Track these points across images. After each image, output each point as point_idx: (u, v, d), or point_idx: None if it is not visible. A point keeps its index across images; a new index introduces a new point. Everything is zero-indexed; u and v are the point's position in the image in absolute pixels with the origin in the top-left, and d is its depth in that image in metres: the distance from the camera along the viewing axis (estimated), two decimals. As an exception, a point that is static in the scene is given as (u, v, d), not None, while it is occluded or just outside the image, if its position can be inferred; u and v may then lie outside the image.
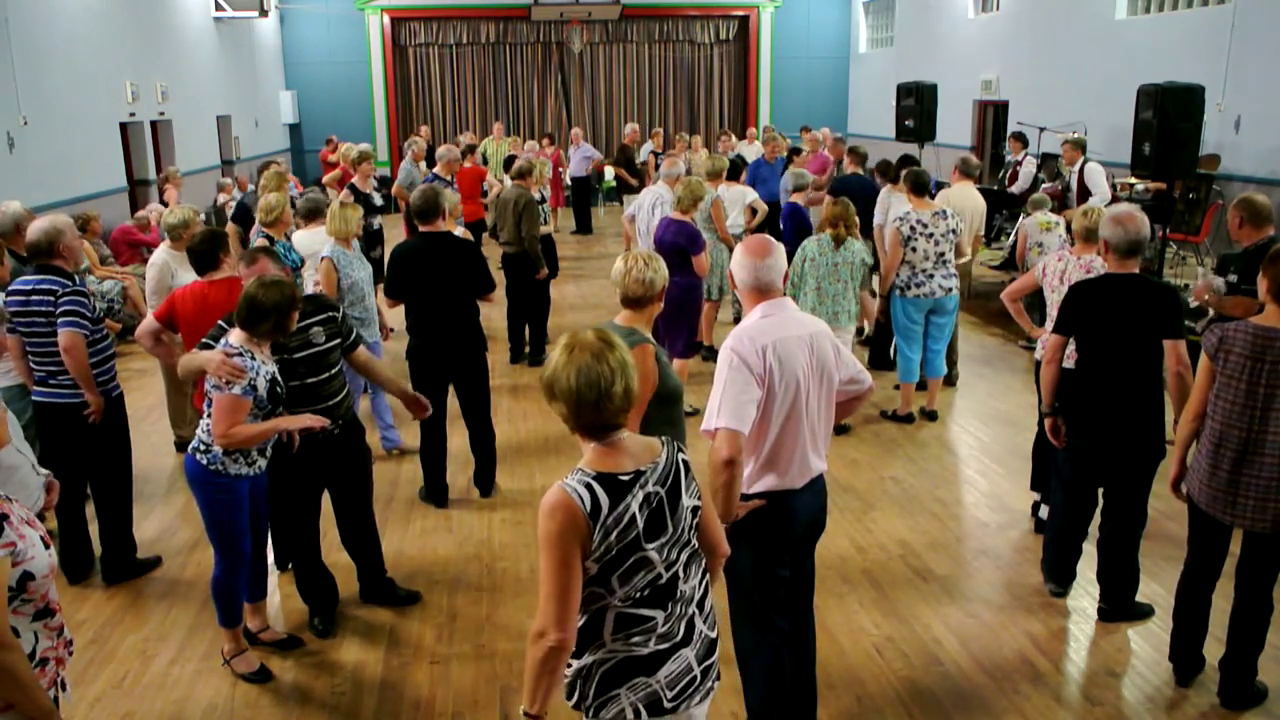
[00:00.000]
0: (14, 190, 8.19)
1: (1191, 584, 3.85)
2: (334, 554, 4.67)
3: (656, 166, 12.14)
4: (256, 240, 6.21)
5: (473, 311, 5.63)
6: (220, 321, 4.07)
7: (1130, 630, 4.36)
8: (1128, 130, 8.38)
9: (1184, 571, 3.89)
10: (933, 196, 7.21)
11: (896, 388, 7.17)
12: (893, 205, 7.72)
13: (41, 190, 9.33)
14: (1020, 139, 11.59)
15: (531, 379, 8.09)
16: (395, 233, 10.80)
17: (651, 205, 8.07)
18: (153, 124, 12.78)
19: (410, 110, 20.28)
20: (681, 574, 2.43)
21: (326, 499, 4.47)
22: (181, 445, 6.48)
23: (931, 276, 6.68)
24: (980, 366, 8.34)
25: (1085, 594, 4.63)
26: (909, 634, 4.34)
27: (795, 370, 3.11)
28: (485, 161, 14.26)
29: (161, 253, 6.07)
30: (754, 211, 8.99)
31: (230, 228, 7.87)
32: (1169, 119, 7.73)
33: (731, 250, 7.33)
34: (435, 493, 5.72)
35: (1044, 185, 10.67)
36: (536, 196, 8.48)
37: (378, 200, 9.49)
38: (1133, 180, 9.80)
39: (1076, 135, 10.34)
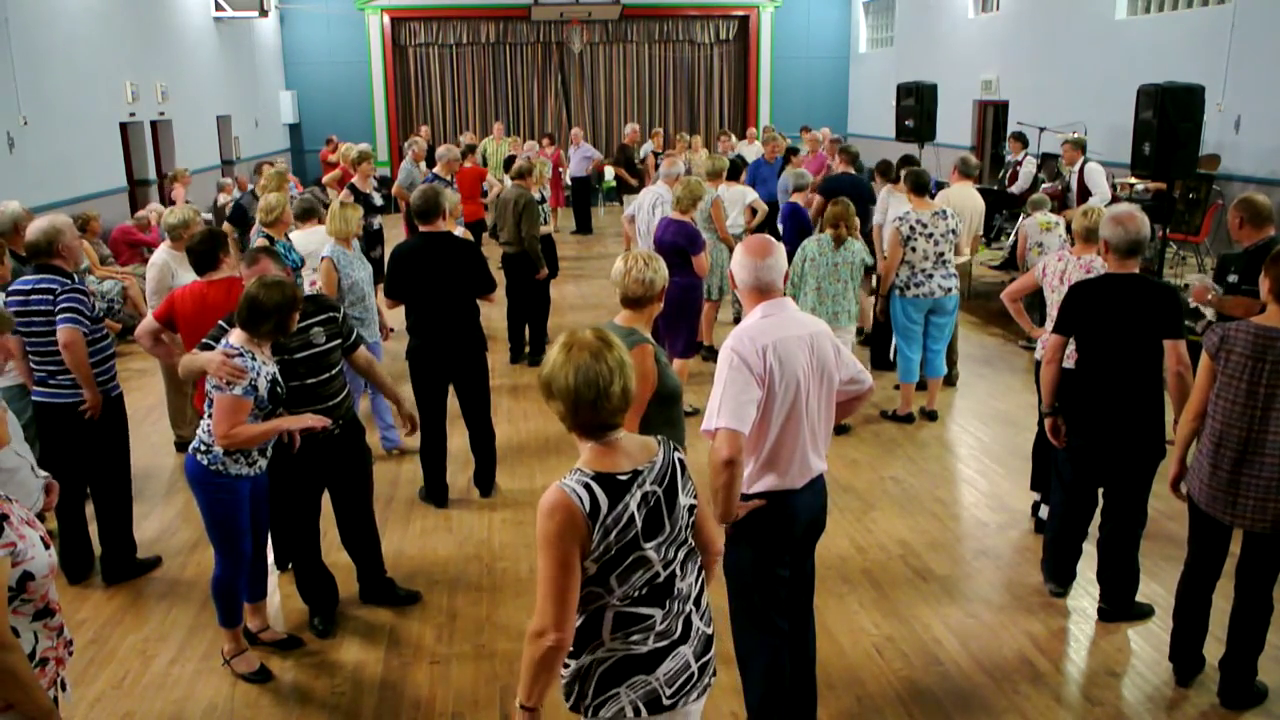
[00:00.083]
0: (14, 190, 8.19)
1: (1191, 584, 3.85)
2: (334, 554, 4.67)
3: (656, 166, 12.14)
4: (256, 240, 6.20)
5: (473, 311, 5.64)
6: (221, 322, 4.07)
7: (1130, 630, 4.36)
8: (1128, 130, 8.37)
9: (1184, 571, 3.89)
10: (932, 196, 7.21)
11: (896, 388, 7.17)
12: (891, 205, 7.72)
13: (41, 190, 9.33)
14: (1020, 139, 11.59)
15: (531, 379, 8.09)
16: (395, 233, 10.81)
17: (651, 205, 8.07)
18: (153, 124, 12.78)
19: (410, 110, 20.28)
20: (679, 572, 2.44)
21: (326, 499, 4.47)
22: (181, 445, 6.48)
23: (931, 276, 6.68)
24: (980, 366, 8.34)
25: (1085, 594, 4.63)
26: (909, 634, 4.34)
27: (795, 370, 3.11)
28: (485, 162, 14.26)
29: (162, 253, 6.07)
30: (754, 211, 8.99)
31: (225, 228, 7.87)
32: (1169, 119, 7.73)
33: (731, 250, 7.34)
34: (435, 493, 5.72)
35: (1044, 185, 10.67)
36: (536, 196, 8.48)
37: (378, 200, 9.49)
38: (1133, 180, 9.80)
39: (1076, 135, 10.34)
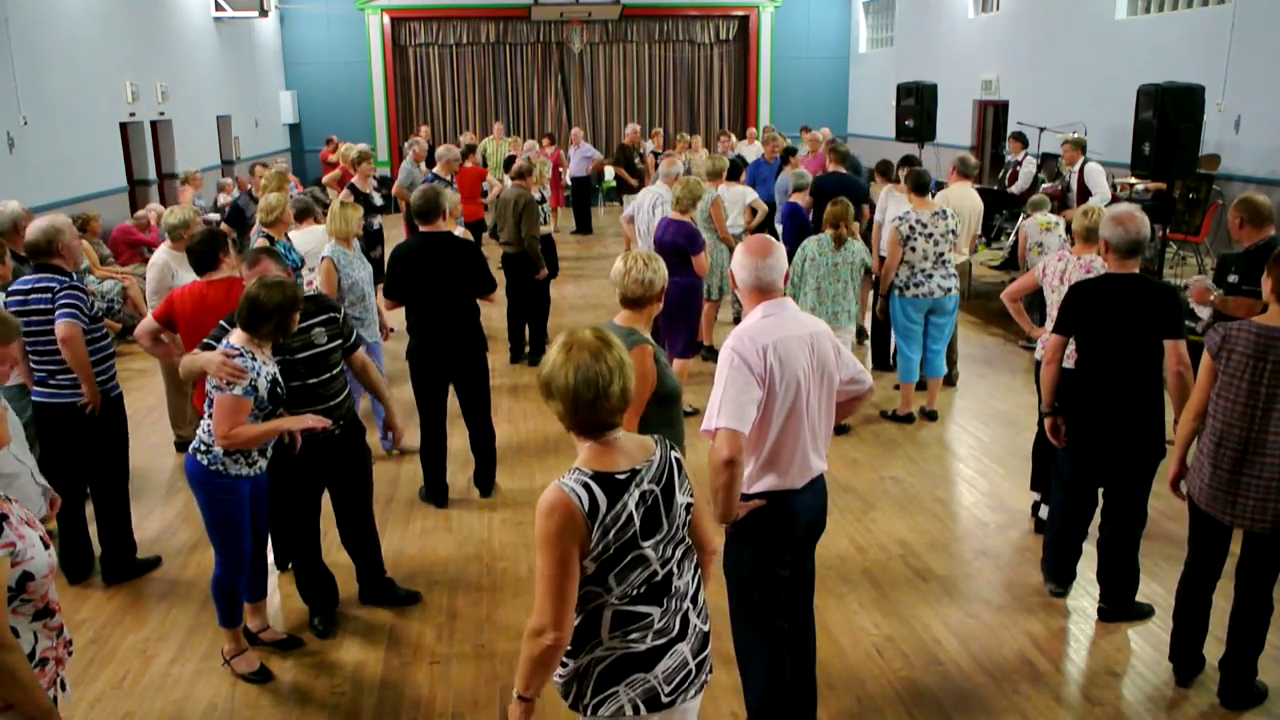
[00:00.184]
0: (14, 190, 8.19)
1: (1191, 584, 3.85)
2: (334, 554, 4.67)
3: (656, 165, 12.14)
4: (257, 240, 6.20)
5: (473, 311, 5.64)
6: (222, 322, 4.06)
7: (1130, 630, 4.36)
8: (1128, 130, 8.37)
9: (1184, 571, 3.89)
10: (932, 196, 7.21)
11: (896, 388, 7.17)
12: (890, 205, 7.72)
13: (41, 190, 9.33)
14: (1020, 139, 11.59)
15: (531, 379, 8.08)
16: (395, 233, 10.80)
17: (651, 205, 8.07)
18: (153, 124, 12.78)
19: (410, 110, 20.29)
20: (676, 570, 2.45)
21: (326, 499, 4.47)
22: (181, 445, 6.48)
23: (930, 276, 6.68)
24: (980, 366, 8.34)
25: (1085, 594, 4.63)
26: (909, 634, 4.34)
27: (796, 370, 3.11)
28: (485, 162, 14.26)
29: (162, 253, 6.08)
30: (754, 211, 8.99)
31: (223, 229, 7.87)
32: (1169, 119, 7.73)
33: (731, 250, 7.34)
34: (435, 493, 5.72)
35: (1044, 185, 10.67)
36: (536, 196, 8.49)
37: (378, 200, 9.49)
38: (1133, 180, 9.80)
39: (1076, 135, 10.34)
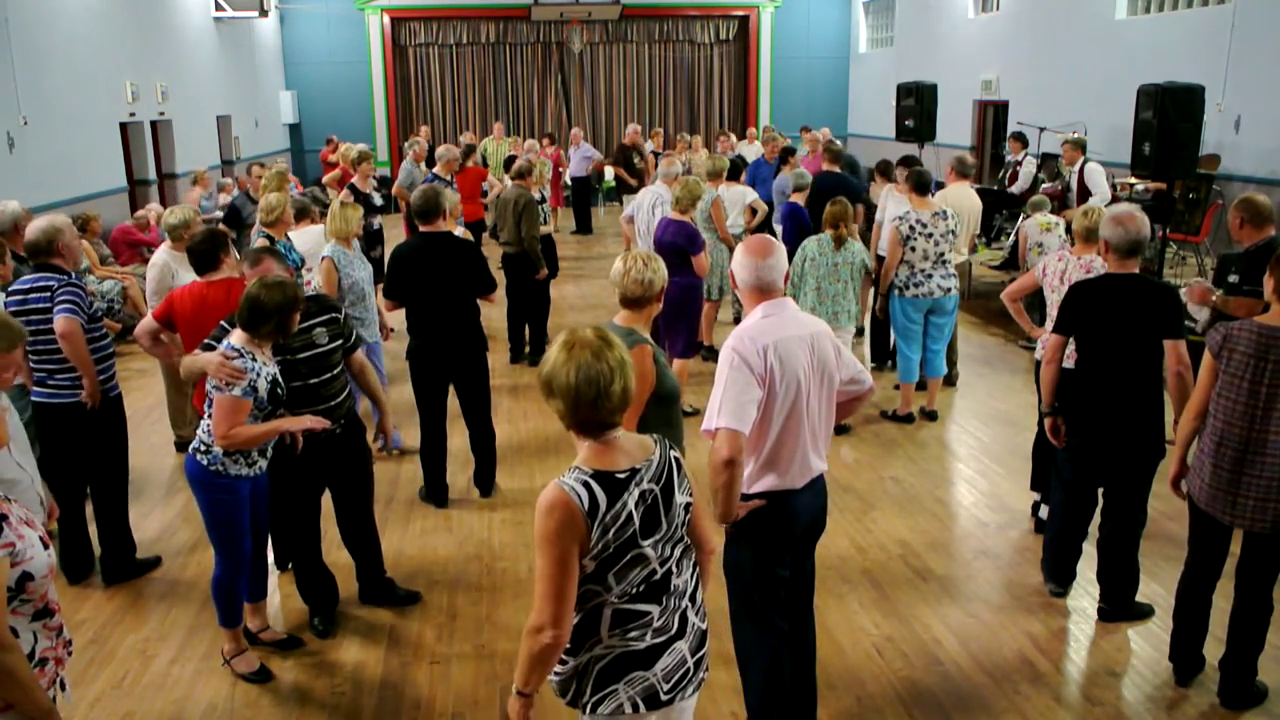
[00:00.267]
0: (14, 190, 8.19)
1: (1192, 584, 3.85)
2: (333, 554, 4.67)
3: (656, 165, 12.14)
4: (257, 240, 6.20)
5: (473, 311, 5.64)
6: (223, 322, 4.06)
7: (1130, 630, 4.36)
8: (1128, 130, 8.37)
9: (1184, 571, 3.89)
10: (931, 196, 7.21)
11: (896, 388, 7.17)
12: (889, 205, 7.73)
13: (41, 190, 9.33)
14: (1020, 139, 11.59)
15: (531, 379, 8.09)
16: (395, 233, 10.81)
17: (651, 205, 8.07)
18: (153, 124, 12.78)
19: (410, 110, 20.29)
20: (674, 569, 2.46)
21: (326, 498, 4.47)
22: (181, 445, 6.48)
23: (930, 276, 6.68)
24: (980, 366, 8.34)
25: (1085, 594, 4.63)
26: (909, 634, 4.34)
27: (796, 370, 3.11)
28: (485, 162, 14.26)
29: (162, 253, 6.08)
30: (754, 211, 8.99)
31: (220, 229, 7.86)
32: (1169, 119, 7.73)
33: (731, 250, 7.33)
34: (435, 493, 5.72)
35: (1044, 185, 10.67)
36: (536, 196, 8.48)
37: (378, 200, 9.49)
38: (1133, 180, 9.80)
39: (1076, 135, 10.34)
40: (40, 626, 2.45)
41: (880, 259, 7.22)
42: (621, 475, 2.33)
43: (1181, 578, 3.91)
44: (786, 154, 10.17)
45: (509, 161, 11.54)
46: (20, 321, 4.44)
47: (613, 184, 17.75)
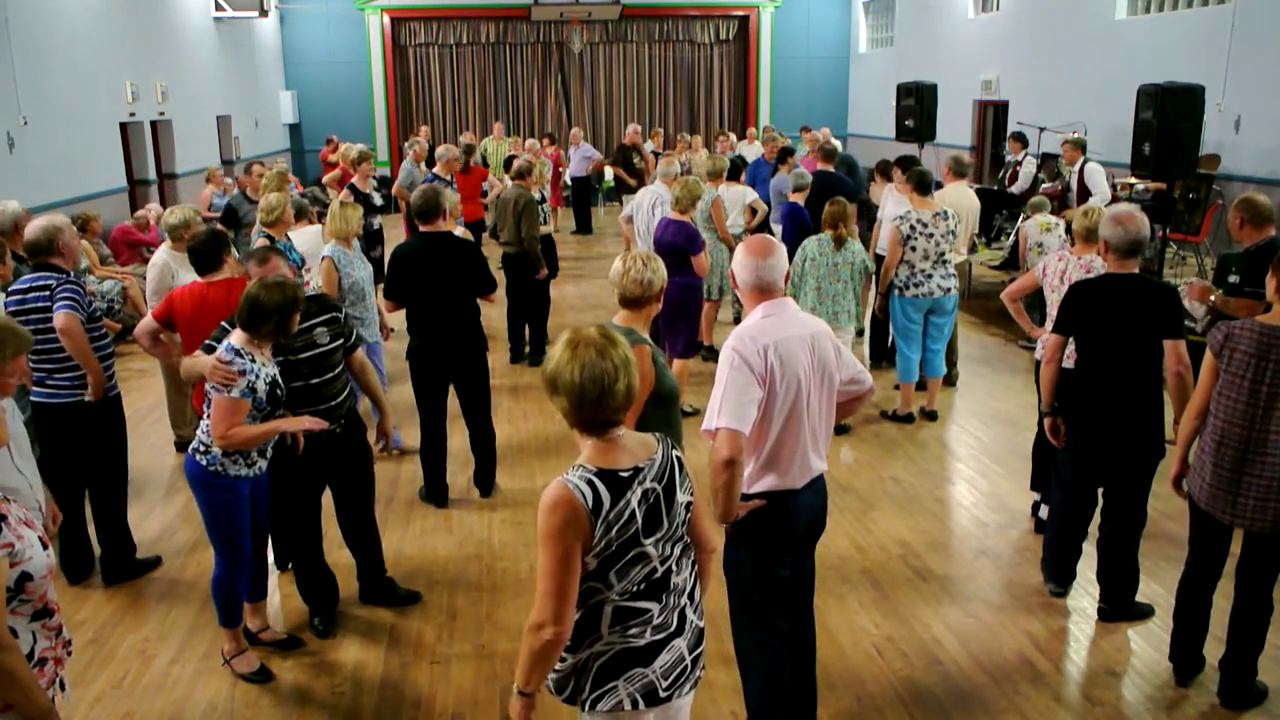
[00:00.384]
0: (14, 190, 8.19)
1: (1192, 584, 3.85)
2: (333, 553, 4.67)
3: (657, 164, 12.14)
4: (257, 240, 6.21)
5: (473, 311, 5.64)
6: (223, 323, 4.06)
7: (1130, 630, 4.36)
8: (1128, 130, 8.37)
9: (1184, 571, 3.89)
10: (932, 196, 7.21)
11: (896, 388, 7.17)
12: (888, 204, 7.74)
13: (41, 190, 9.33)
14: (1020, 139, 11.59)
15: (531, 379, 8.09)
16: (395, 233, 10.81)
17: (651, 205, 8.07)
18: (153, 124, 12.78)
19: (410, 110, 20.29)
20: (675, 567, 2.47)
21: (327, 498, 4.47)
22: (181, 445, 6.48)
23: (930, 276, 6.68)
24: (980, 366, 8.34)
25: (1085, 594, 4.62)
26: (909, 634, 4.34)
27: (796, 370, 3.11)
28: (485, 162, 14.26)
29: (162, 253, 6.07)
30: (754, 211, 8.99)
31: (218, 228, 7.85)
32: (1169, 119, 7.73)
33: (731, 250, 7.33)
34: (435, 493, 5.72)
35: (1044, 185, 10.67)
36: (536, 196, 8.48)
37: (378, 200, 9.49)
38: (1133, 180, 9.79)
39: (1076, 135, 10.34)
40: (40, 627, 2.45)
41: (880, 258, 7.22)
42: (625, 474, 2.33)
43: (1182, 578, 3.90)
44: (784, 154, 10.18)
45: (509, 161, 11.54)
46: (20, 321, 4.46)
47: (612, 184, 17.75)
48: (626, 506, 2.31)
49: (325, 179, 12.61)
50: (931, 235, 6.60)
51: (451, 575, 4.92)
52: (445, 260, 5.48)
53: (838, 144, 11.15)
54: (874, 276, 7.02)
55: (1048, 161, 11.38)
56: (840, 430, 6.66)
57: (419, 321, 5.53)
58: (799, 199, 8.18)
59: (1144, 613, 4.44)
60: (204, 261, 4.61)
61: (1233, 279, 5.28)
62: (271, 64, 18.58)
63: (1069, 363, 4.41)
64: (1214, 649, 3.90)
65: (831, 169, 9.10)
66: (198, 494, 3.91)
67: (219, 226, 5.50)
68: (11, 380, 2.91)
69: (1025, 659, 4.15)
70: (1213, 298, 5.37)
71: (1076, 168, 9.64)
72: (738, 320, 3.49)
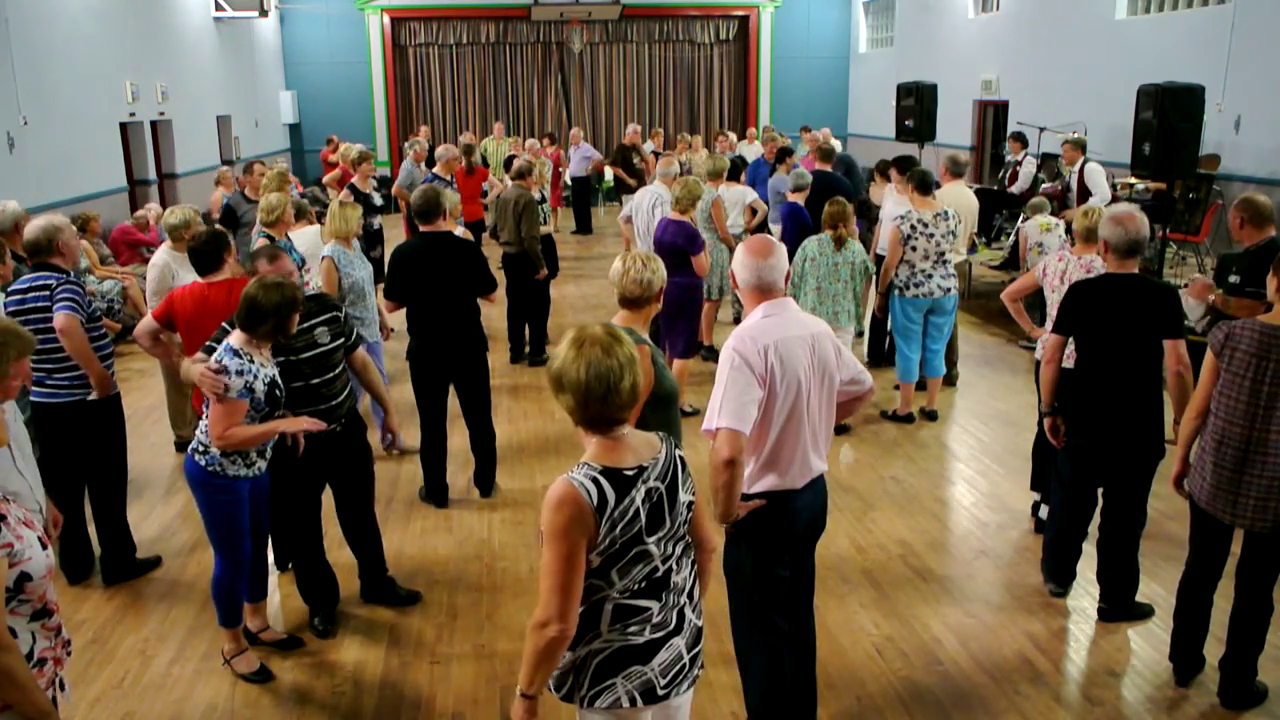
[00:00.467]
0: (14, 190, 8.19)
1: (1192, 584, 3.85)
2: (333, 552, 4.67)
3: (657, 163, 12.13)
4: (257, 240, 6.21)
5: (473, 311, 5.64)
6: (224, 324, 4.06)
7: (1130, 630, 4.36)
8: (1128, 130, 8.37)
9: (1185, 571, 3.89)
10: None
11: (896, 388, 7.17)
12: (888, 204, 7.74)
13: (41, 190, 9.33)
14: (1020, 139, 11.58)
15: (531, 379, 8.09)
16: (395, 233, 10.81)
17: (651, 205, 8.07)
18: (153, 124, 12.78)
19: (410, 110, 20.28)
20: (675, 566, 2.48)
21: (327, 497, 4.47)
22: (181, 445, 6.48)
23: (930, 276, 6.68)
24: (980, 366, 8.34)
25: (1085, 594, 4.62)
26: (909, 634, 4.34)
27: (797, 370, 3.11)
28: (485, 162, 14.26)
29: (163, 253, 6.07)
30: (754, 211, 9.00)
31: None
32: (1169, 119, 7.73)
33: (731, 250, 7.33)
34: (435, 493, 5.72)
35: (1044, 185, 10.66)
36: (536, 196, 8.48)
37: (378, 200, 9.49)
38: (1133, 180, 9.79)
39: (1076, 135, 10.34)
40: (39, 627, 2.45)
41: (881, 259, 7.22)
42: (629, 472, 2.34)
43: (1182, 577, 3.90)
44: (782, 154, 10.18)
45: (509, 161, 11.53)
46: (20, 321, 4.46)
47: (612, 184, 17.74)
48: (631, 505, 2.32)
49: (325, 179, 12.61)
50: (932, 235, 6.60)
51: (451, 575, 4.92)
52: (445, 260, 5.48)
53: (837, 144, 11.17)
54: (874, 278, 7.03)
55: (1048, 161, 11.37)
56: (840, 430, 6.66)
57: (419, 321, 5.53)
58: (799, 199, 8.18)
59: (1144, 613, 4.44)
60: (204, 262, 4.61)
61: (1233, 279, 5.29)
62: (271, 64, 18.58)
63: (1069, 363, 4.41)
64: (1214, 649, 3.90)
65: (829, 169, 9.10)
66: (197, 494, 3.91)
67: (219, 227, 5.51)
68: (15, 382, 2.91)
69: (1025, 659, 4.15)
70: (1211, 297, 5.37)
71: (1076, 168, 9.63)
72: (738, 320, 3.49)
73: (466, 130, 19.09)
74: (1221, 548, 3.77)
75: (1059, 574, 4.62)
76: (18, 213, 5.62)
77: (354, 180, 9.42)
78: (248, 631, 4.22)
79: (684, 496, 2.46)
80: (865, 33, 20.43)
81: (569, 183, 15.99)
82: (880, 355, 8.09)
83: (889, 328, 7.25)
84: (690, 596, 2.56)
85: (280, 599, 4.72)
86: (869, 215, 8.98)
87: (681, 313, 6.72)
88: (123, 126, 11.84)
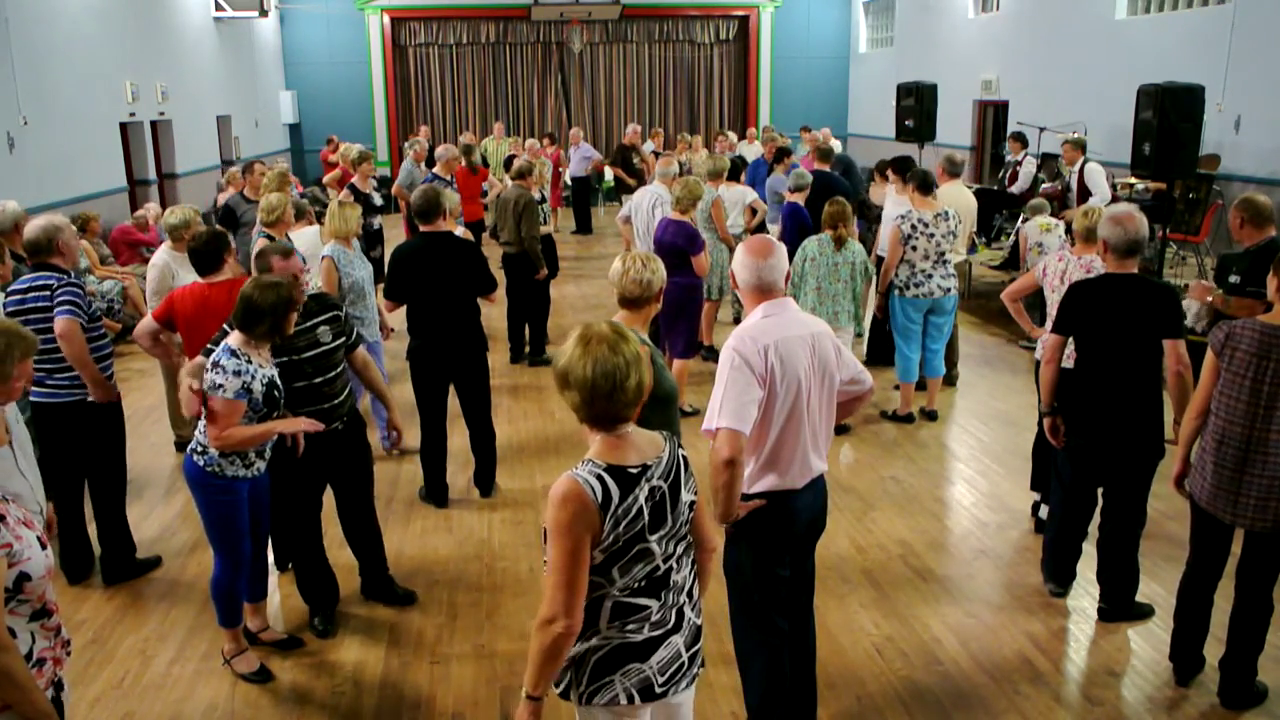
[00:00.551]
0: (14, 190, 8.19)
1: (1192, 584, 3.85)
2: (333, 552, 4.66)
3: (657, 163, 12.13)
4: (257, 241, 6.20)
5: (474, 311, 5.64)
6: (225, 325, 4.06)
7: (1130, 630, 4.36)
8: (1128, 130, 8.37)
9: (1185, 571, 3.89)
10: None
11: (896, 388, 7.16)
12: (887, 204, 7.73)
13: (41, 190, 9.33)
14: (1020, 139, 11.58)
15: (531, 379, 8.09)
16: (395, 233, 10.81)
17: (651, 206, 8.07)
18: (153, 124, 12.78)
19: (410, 110, 20.28)
20: (676, 565, 2.49)
21: (328, 497, 4.47)
22: (181, 445, 6.48)
23: (930, 276, 6.68)
24: (980, 366, 8.34)
25: (1085, 594, 4.62)
26: (909, 634, 4.34)
27: (797, 370, 3.11)
28: (485, 162, 14.26)
29: (163, 253, 6.07)
30: (754, 211, 9.00)
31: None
32: (1169, 119, 7.73)
33: (732, 250, 7.33)
34: (435, 493, 5.72)
35: (1044, 185, 10.67)
36: (536, 196, 8.48)
37: (378, 200, 9.49)
38: (1133, 180, 9.79)
39: (1076, 135, 10.34)
40: (38, 627, 2.45)
41: (881, 260, 7.22)
42: (633, 470, 2.35)
43: (1183, 577, 3.90)
44: (780, 154, 10.19)
45: (509, 161, 11.54)
46: (20, 321, 4.45)
47: (612, 184, 17.74)
48: (634, 503, 2.33)
49: (325, 179, 12.61)
50: (932, 235, 6.60)
51: (451, 575, 4.92)
52: (445, 260, 5.49)
53: (837, 144, 11.16)
54: (874, 278, 7.03)
55: (1048, 161, 11.37)
56: (840, 430, 6.66)
57: (419, 321, 5.53)
58: (799, 199, 8.18)
59: (1144, 613, 4.44)
60: (204, 262, 4.61)
61: (1233, 279, 5.29)
62: (271, 64, 18.58)
63: (1069, 363, 4.41)
64: (1214, 649, 3.90)
65: (828, 169, 9.10)
66: (196, 494, 3.91)
67: (219, 227, 5.51)
68: (18, 384, 2.91)
69: (1025, 659, 4.15)
70: (1210, 297, 5.37)
71: (1076, 168, 9.63)
72: (738, 320, 3.49)
73: (466, 130, 19.09)
74: (1222, 548, 3.77)
75: (1059, 574, 4.62)
76: (18, 213, 5.62)
77: (354, 180, 9.42)
78: (248, 631, 4.22)
79: (686, 496, 2.47)
80: (865, 33, 20.43)
81: (569, 183, 15.98)
82: (881, 356, 8.09)
83: (888, 327, 7.24)
84: (690, 595, 2.57)
85: (280, 599, 4.72)
86: (868, 215, 8.98)
87: (681, 313, 6.72)
88: (123, 126, 11.83)
